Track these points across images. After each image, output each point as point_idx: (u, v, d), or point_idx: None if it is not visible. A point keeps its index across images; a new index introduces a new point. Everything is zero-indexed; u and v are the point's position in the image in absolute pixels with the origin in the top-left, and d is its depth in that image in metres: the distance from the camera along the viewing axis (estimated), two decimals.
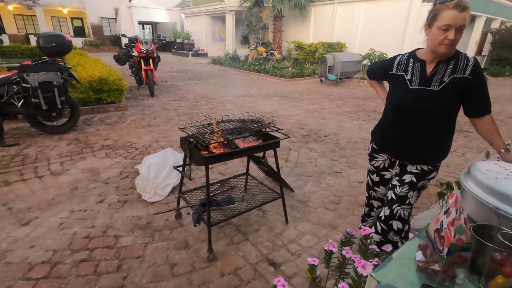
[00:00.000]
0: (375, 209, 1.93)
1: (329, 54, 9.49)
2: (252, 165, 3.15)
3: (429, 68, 1.43)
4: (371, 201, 1.93)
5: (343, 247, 1.15)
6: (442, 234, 0.74)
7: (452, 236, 0.69)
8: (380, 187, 1.82)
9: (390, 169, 1.74)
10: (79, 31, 22.07)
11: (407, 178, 1.59)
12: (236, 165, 3.50)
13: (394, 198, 1.60)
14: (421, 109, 1.44)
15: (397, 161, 1.69)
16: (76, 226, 2.33)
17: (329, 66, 9.20)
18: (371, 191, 1.90)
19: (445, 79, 1.39)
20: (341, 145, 4.25)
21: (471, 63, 1.36)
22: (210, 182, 2.61)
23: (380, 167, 1.76)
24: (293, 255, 2.09)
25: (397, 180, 1.63)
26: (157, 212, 2.49)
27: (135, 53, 7.06)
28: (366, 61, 10.67)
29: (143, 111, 5.77)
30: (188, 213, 2.50)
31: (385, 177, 1.77)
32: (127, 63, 8.27)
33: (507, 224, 0.87)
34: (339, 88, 9.02)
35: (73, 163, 3.43)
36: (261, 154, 2.57)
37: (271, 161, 2.71)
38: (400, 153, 1.63)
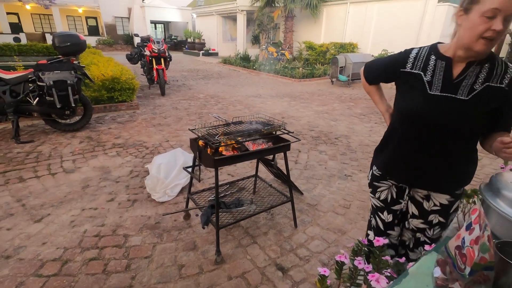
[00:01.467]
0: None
1: (340, 54, 9.38)
2: (261, 166, 3.13)
3: (457, 70, 1.12)
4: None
5: (355, 257, 1.11)
6: (464, 252, 0.70)
7: (476, 255, 0.65)
8: (395, 228, 1.46)
9: (400, 200, 1.40)
10: (93, 30, 22.53)
11: (433, 218, 1.33)
12: (245, 166, 3.48)
13: (429, 242, 1.39)
14: (441, 121, 1.13)
15: (407, 190, 1.37)
16: (86, 224, 2.36)
17: (340, 67, 9.08)
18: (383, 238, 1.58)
19: (477, 86, 1.08)
20: (352, 148, 4.18)
21: (511, 70, 1.07)
22: (219, 183, 2.60)
23: (389, 200, 1.42)
24: (301, 260, 2.06)
25: (422, 223, 1.37)
26: (166, 213, 2.50)
27: (147, 53, 7.14)
28: None
29: (154, 110, 5.83)
30: (197, 215, 2.50)
31: (398, 212, 1.44)
32: (139, 62, 8.38)
33: None
34: (350, 89, 8.90)
35: (85, 161, 3.48)
36: (270, 156, 2.55)
37: (280, 163, 2.68)
38: (410, 178, 1.31)
